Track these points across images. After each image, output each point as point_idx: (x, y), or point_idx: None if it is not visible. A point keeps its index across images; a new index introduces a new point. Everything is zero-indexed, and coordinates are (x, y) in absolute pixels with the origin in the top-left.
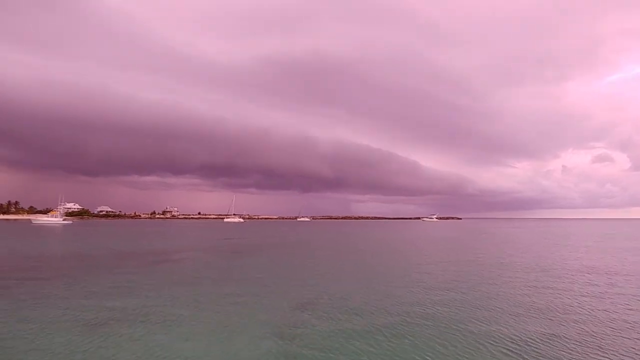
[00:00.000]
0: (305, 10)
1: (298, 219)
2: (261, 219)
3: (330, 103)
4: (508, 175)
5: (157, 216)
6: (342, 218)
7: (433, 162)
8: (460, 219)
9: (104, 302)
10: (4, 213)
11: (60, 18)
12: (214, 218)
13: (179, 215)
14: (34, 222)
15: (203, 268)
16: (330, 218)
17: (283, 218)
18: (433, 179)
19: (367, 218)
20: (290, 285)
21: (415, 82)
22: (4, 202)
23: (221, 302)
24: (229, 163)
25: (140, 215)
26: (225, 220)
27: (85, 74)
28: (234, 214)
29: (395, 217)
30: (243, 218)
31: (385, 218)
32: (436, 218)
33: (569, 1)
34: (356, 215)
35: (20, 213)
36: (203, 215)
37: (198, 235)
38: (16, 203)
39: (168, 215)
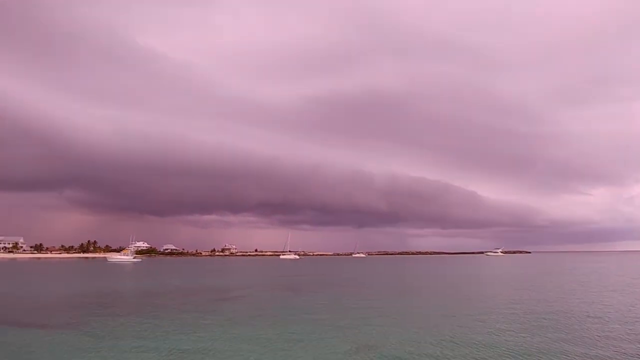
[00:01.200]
0: (354, 49)
1: (353, 255)
2: (316, 255)
3: (383, 137)
4: (582, 204)
5: (217, 253)
6: (398, 253)
7: (493, 192)
8: (529, 252)
9: (172, 340)
10: (84, 252)
11: (135, 75)
12: (270, 255)
13: (237, 252)
14: (109, 260)
15: (263, 305)
16: (387, 254)
17: (338, 254)
18: (494, 210)
19: (425, 253)
20: (353, 324)
21: (470, 111)
22: (84, 241)
23: (283, 342)
24: (283, 200)
25: (201, 253)
26: (282, 257)
27: (155, 123)
28: (289, 251)
29: (456, 251)
30: (298, 255)
31: (445, 253)
32: (501, 252)
33: (636, 17)
34: (414, 251)
35: (97, 251)
36: (260, 252)
37: (256, 272)
38: (94, 242)
39: (227, 253)
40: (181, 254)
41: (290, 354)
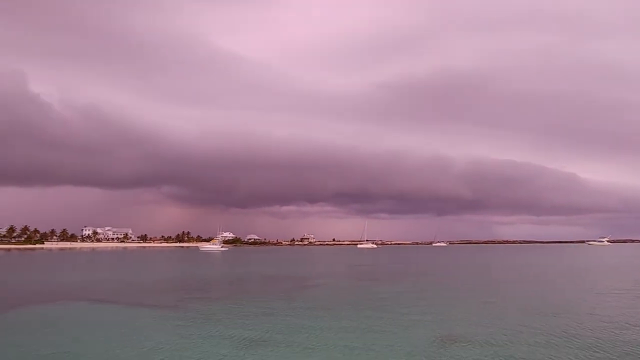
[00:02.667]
0: (424, 30)
1: (433, 244)
2: (394, 244)
3: (462, 120)
4: None
5: (296, 243)
6: (483, 242)
7: (597, 174)
8: None
9: (256, 323)
10: (180, 241)
11: (213, 77)
12: (347, 244)
13: (315, 241)
14: (200, 249)
15: (344, 294)
16: (470, 242)
17: (417, 243)
18: (598, 194)
19: (514, 242)
20: (434, 315)
21: (567, 84)
22: (180, 232)
23: (361, 329)
24: (360, 190)
25: (281, 242)
26: (359, 246)
27: (236, 121)
28: (366, 240)
29: (551, 240)
30: (376, 244)
31: (538, 242)
32: (607, 241)
33: None
34: (500, 239)
35: (190, 241)
36: (337, 241)
37: (335, 261)
38: (188, 233)
39: (306, 242)
40: (263, 243)
41: (372, 343)
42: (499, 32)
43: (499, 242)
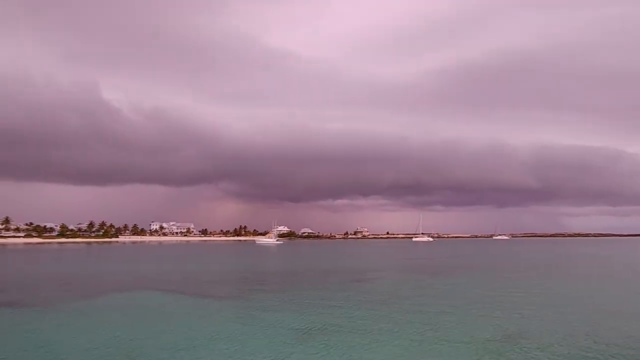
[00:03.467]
0: (479, 10)
1: (494, 237)
2: (451, 237)
3: (524, 103)
4: None
5: (350, 236)
6: (549, 235)
7: None
8: None
9: (314, 314)
10: (237, 235)
11: (268, 74)
12: (402, 237)
13: (369, 235)
14: (257, 242)
15: (399, 288)
16: (534, 235)
17: (476, 236)
18: None
19: (586, 235)
20: (493, 310)
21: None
22: (237, 226)
23: (420, 324)
24: (414, 181)
25: (335, 236)
26: (414, 239)
27: (288, 116)
28: (422, 233)
29: (631, 233)
30: (432, 237)
31: (616, 235)
32: None
33: None
34: (570, 232)
35: (247, 235)
36: (391, 234)
37: (389, 254)
38: (245, 227)
39: (359, 235)
40: (317, 236)
41: (428, 337)
42: (563, 6)
43: (569, 235)
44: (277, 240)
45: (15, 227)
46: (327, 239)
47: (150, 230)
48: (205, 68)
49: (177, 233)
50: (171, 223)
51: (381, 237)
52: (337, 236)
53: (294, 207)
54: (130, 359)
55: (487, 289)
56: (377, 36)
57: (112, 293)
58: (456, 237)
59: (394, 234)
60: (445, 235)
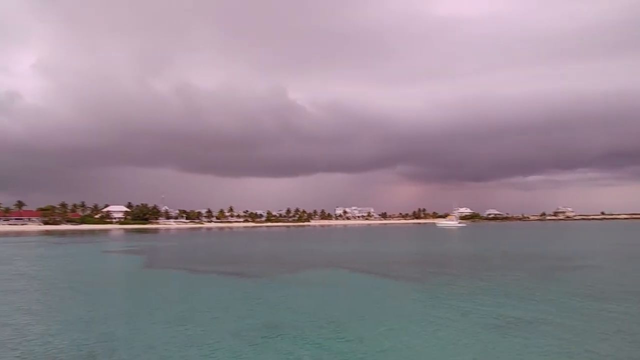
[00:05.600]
0: None
1: None
2: None
3: None
4: None
5: (548, 218)
6: None
7: None
8: None
9: (504, 305)
10: (416, 218)
11: (441, 46)
12: (624, 218)
13: (574, 216)
14: (437, 225)
15: (621, 279)
16: None
17: None
18: None
19: None
20: None
21: None
22: (416, 209)
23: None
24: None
25: (528, 217)
26: None
27: (462, 88)
28: None
29: None
30: None
31: None
32: None
33: None
34: None
35: (426, 217)
36: (607, 215)
37: (607, 239)
38: (423, 209)
39: (561, 217)
40: (505, 218)
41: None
42: None
43: None
44: (459, 223)
45: (237, 214)
46: (518, 221)
47: (335, 215)
48: (376, 53)
49: (358, 217)
50: (353, 208)
51: (593, 218)
52: (531, 218)
53: (477, 186)
54: (333, 324)
55: None
56: None
57: (310, 269)
58: None
59: (611, 215)
60: None
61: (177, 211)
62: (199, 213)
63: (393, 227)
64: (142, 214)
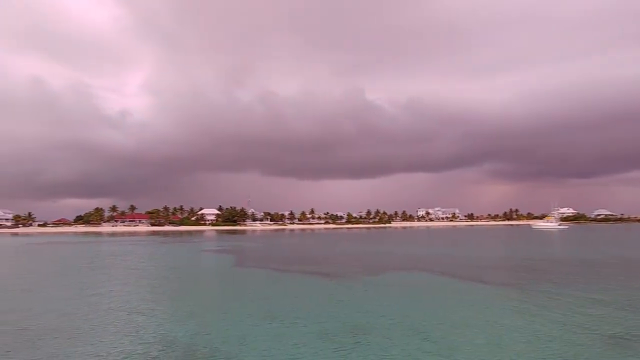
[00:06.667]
0: None
1: None
2: None
3: None
4: None
5: None
6: None
7: None
8: None
9: (620, 318)
10: (507, 219)
11: (530, 27)
12: None
13: None
14: (533, 227)
15: None
16: None
17: None
18: None
19: None
20: None
21: None
22: (507, 209)
23: None
24: None
25: None
26: None
27: (555, 75)
28: None
29: None
30: None
31: None
32: None
33: None
34: None
35: (520, 219)
36: None
37: None
38: (516, 210)
39: None
40: (619, 219)
41: None
42: None
43: None
44: (559, 224)
45: (318, 215)
46: (638, 223)
47: (417, 216)
48: (452, 45)
49: (442, 218)
50: (436, 209)
51: None
52: None
53: (581, 183)
54: (421, 331)
55: None
56: None
57: (391, 271)
58: None
59: None
60: None
61: (262, 213)
62: (282, 215)
63: (481, 229)
64: (231, 217)
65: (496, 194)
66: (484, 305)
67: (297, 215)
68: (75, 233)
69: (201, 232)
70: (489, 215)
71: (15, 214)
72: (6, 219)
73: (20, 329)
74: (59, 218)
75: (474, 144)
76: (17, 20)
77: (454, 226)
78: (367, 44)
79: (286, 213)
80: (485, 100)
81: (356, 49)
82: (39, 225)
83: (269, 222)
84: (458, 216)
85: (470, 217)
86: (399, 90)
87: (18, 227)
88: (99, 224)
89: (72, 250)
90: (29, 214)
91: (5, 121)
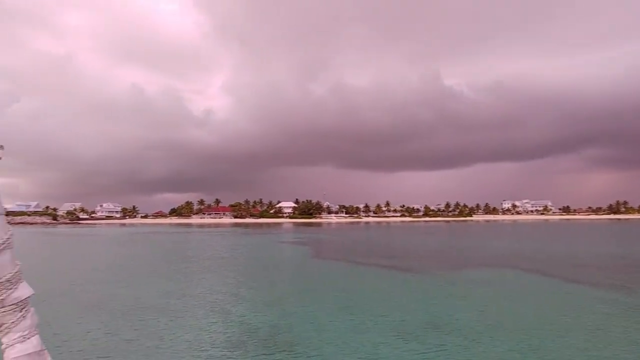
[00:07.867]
0: None
1: None
2: None
3: None
4: None
5: None
6: None
7: None
8: None
9: None
10: (613, 213)
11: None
12: None
13: None
14: None
15: None
16: None
17: None
18: None
19: None
20: None
21: None
22: (612, 202)
23: None
24: None
25: None
26: None
27: None
28: None
29: None
30: None
31: None
32: None
33: None
34: None
35: (630, 212)
36: None
37: None
38: (624, 202)
39: None
40: None
41: None
42: None
43: None
44: None
45: (393, 208)
46: None
47: (502, 209)
48: (541, 21)
49: (532, 211)
50: (524, 201)
51: None
52: None
53: None
54: (511, 333)
55: None
56: None
57: (476, 267)
58: None
59: None
60: None
61: (337, 206)
62: (357, 208)
63: (580, 224)
64: (307, 209)
65: (599, 184)
66: (586, 308)
67: (372, 208)
68: (170, 224)
69: (279, 224)
70: (590, 208)
71: (123, 207)
72: (116, 212)
73: (129, 308)
74: (157, 211)
75: (571, 128)
76: (118, 35)
77: (546, 220)
78: (441, 28)
79: (361, 206)
80: (583, 77)
81: (429, 34)
82: (141, 217)
83: (344, 214)
84: (551, 209)
85: (566, 210)
86: (480, 73)
87: (125, 218)
88: (189, 216)
89: (171, 239)
90: (134, 207)
91: (110, 125)
